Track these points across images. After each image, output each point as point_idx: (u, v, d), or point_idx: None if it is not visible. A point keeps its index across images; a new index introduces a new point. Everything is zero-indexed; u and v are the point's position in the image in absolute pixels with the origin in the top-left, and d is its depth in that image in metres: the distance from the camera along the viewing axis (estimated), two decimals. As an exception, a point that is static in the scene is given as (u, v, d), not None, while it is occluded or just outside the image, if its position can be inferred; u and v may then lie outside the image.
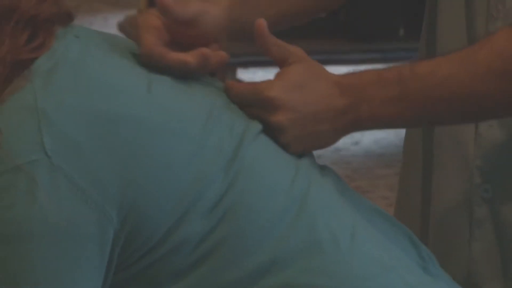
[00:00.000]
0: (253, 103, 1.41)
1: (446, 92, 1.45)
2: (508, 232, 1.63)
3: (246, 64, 3.83)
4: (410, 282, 1.35)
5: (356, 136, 4.21)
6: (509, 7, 1.57)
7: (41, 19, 1.31)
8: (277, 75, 1.42)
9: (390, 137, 4.32)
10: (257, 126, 1.39)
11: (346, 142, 4.21)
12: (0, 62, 1.28)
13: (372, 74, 1.46)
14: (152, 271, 1.32)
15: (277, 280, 1.31)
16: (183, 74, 1.40)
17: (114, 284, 1.34)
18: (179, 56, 1.39)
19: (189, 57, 1.38)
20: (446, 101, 1.45)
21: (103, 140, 1.29)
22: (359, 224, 1.40)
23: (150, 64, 1.40)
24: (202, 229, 1.31)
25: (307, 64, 1.44)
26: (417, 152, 1.76)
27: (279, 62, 1.42)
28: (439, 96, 1.45)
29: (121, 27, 3.79)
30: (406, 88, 1.42)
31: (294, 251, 1.33)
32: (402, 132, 2.34)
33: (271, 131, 1.39)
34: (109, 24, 4.59)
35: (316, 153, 1.44)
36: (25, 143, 1.27)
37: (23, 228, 1.26)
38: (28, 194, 1.25)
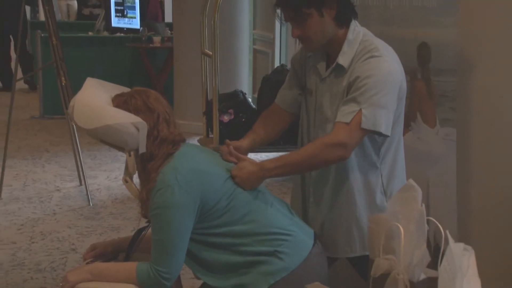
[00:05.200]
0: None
1: (298, 164, 2.76)
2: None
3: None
4: (291, 219, 2.75)
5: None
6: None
7: (176, 141, 2.73)
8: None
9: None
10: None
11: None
12: (163, 154, 2.64)
13: (268, 161, 2.76)
14: (208, 217, 2.64)
15: (245, 223, 2.68)
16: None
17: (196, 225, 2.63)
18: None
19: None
20: (299, 167, 2.79)
21: (194, 176, 2.62)
22: (273, 201, 2.77)
23: (209, 154, 2.78)
24: (225, 204, 2.66)
25: (249, 160, 2.79)
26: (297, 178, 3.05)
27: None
28: (294, 165, 2.76)
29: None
30: (282, 163, 2.76)
31: (254, 210, 2.69)
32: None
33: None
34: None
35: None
36: (171, 177, 2.60)
37: (169, 204, 2.57)
38: (172, 194, 2.58)
